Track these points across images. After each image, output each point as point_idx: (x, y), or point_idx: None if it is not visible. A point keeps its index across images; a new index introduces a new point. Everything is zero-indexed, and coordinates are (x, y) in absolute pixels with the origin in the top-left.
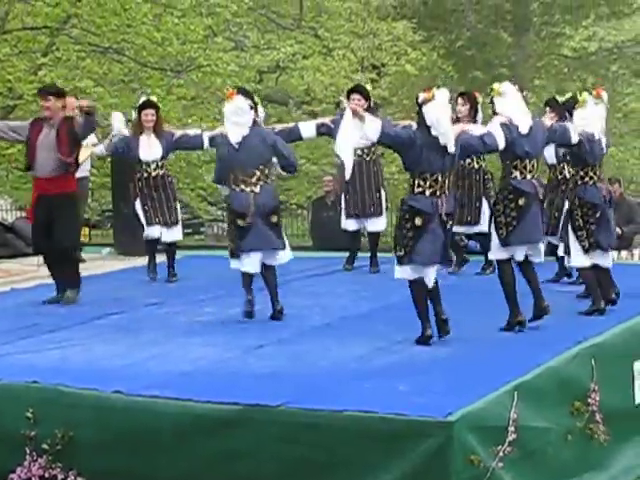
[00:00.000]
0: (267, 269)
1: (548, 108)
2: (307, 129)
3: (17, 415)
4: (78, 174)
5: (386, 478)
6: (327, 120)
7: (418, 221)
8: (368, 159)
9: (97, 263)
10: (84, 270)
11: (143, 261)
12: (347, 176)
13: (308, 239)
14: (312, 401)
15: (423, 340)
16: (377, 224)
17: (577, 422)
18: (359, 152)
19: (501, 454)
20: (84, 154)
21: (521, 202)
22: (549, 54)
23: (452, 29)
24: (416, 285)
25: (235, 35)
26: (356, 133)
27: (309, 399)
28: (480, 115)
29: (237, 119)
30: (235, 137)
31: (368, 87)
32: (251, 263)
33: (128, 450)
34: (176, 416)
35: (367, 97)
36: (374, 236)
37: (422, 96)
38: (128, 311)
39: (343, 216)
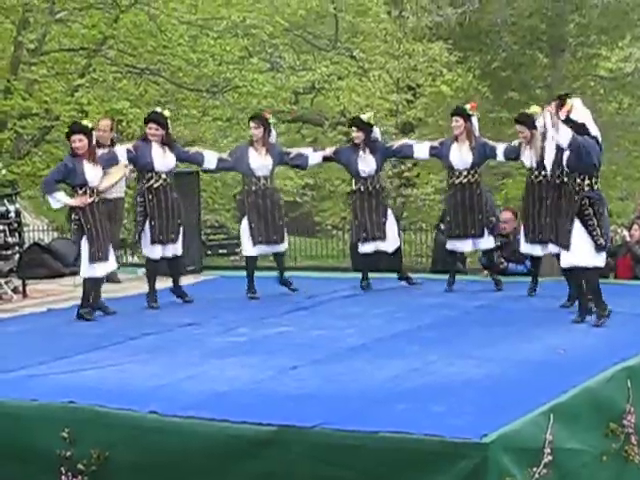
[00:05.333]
0: None
1: (354, 128)
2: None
3: (53, 435)
4: (114, 194)
5: None
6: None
7: (606, 212)
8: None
9: (133, 284)
10: (120, 291)
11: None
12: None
13: (343, 260)
14: (347, 422)
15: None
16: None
17: (612, 444)
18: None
19: (537, 476)
20: (117, 175)
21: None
22: (585, 75)
23: (487, 50)
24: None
25: (271, 56)
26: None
27: (344, 420)
28: (274, 134)
29: None
30: None
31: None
32: None
33: (163, 471)
34: (211, 437)
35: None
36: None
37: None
38: (163, 331)
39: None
